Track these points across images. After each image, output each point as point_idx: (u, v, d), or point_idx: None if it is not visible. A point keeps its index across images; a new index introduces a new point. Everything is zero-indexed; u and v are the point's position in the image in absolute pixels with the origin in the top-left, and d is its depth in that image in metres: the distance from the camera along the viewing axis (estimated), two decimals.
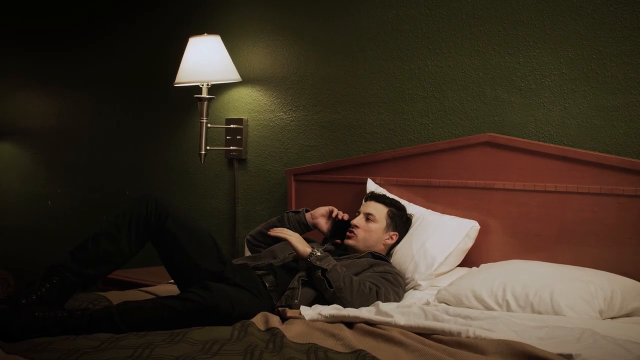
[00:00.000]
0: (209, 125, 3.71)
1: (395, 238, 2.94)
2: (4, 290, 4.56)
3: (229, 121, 3.86)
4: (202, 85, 3.67)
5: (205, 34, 3.69)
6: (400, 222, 2.96)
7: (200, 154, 3.72)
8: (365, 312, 2.30)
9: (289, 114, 3.70)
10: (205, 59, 3.64)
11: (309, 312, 2.36)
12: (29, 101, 5.03)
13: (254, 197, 3.83)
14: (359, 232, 2.90)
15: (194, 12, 4.09)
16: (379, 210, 2.94)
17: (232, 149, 3.84)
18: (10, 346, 2.03)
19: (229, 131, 3.86)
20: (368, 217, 2.92)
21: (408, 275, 2.83)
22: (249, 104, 3.83)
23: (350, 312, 2.31)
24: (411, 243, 2.91)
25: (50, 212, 4.86)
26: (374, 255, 2.84)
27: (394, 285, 2.67)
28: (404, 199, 3.13)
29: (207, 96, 3.68)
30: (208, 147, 3.73)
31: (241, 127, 3.82)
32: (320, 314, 2.34)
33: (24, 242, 4.99)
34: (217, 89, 3.82)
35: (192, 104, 3.81)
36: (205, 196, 4.03)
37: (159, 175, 4.25)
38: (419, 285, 2.81)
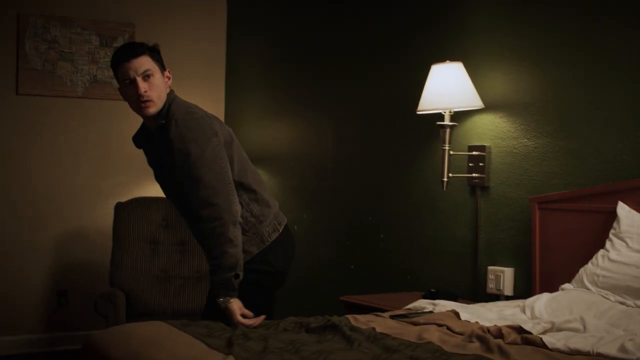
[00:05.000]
0: (451, 152, 3.72)
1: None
2: None
3: (472, 148, 3.84)
4: (445, 112, 3.68)
5: (448, 61, 3.70)
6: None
7: (443, 181, 3.73)
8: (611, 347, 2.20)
9: (533, 141, 3.62)
10: (447, 86, 3.65)
11: (551, 340, 2.30)
12: (277, 129, 5.27)
13: (496, 225, 3.77)
14: None
15: (436, 39, 4.12)
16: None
17: (475, 176, 3.81)
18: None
19: (471, 158, 3.83)
20: None
21: None
22: (492, 130, 3.79)
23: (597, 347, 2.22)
24: None
25: (297, 236, 5.03)
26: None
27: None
28: None
29: (450, 123, 3.68)
30: (450, 174, 3.73)
31: (484, 154, 3.78)
32: (567, 346, 2.26)
33: None
34: (459, 116, 3.81)
35: (435, 131, 3.83)
36: (447, 223, 4.02)
37: (401, 202, 4.30)
38: None
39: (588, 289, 2.96)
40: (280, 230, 3.11)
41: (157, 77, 2.92)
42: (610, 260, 2.99)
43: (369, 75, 4.57)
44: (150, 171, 3.11)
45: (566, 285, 3.07)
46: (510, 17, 3.76)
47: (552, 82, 3.56)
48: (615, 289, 2.87)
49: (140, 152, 3.15)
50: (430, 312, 2.91)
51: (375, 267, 4.44)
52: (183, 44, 5.57)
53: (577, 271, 3.09)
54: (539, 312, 2.85)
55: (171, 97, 2.98)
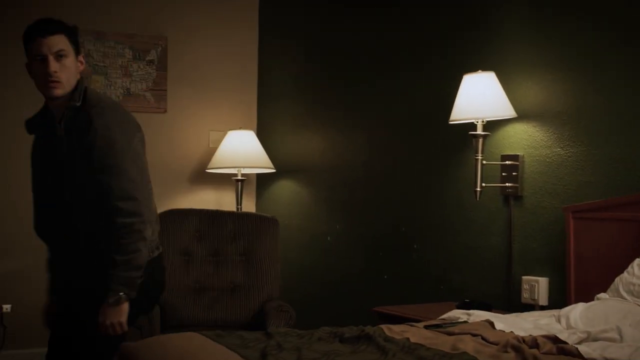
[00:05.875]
0: (484, 162, 3.71)
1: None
2: (286, 322, 4.77)
3: (505, 157, 3.82)
4: (477, 122, 3.67)
5: (480, 70, 3.70)
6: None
7: (476, 191, 3.72)
8: None
9: (566, 150, 3.60)
10: (480, 96, 3.65)
11: (587, 350, 2.29)
12: (308, 140, 5.29)
13: (530, 235, 3.75)
14: None
15: (468, 49, 4.11)
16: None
17: (508, 186, 3.80)
18: None
19: (504, 167, 3.82)
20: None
21: None
22: (525, 139, 3.77)
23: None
24: None
25: (329, 247, 5.05)
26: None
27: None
28: None
29: (482, 133, 3.68)
30: (483, 184, 3.72)
31: (517, 163, 3.77)
32: (603, 356, 2.24)
33: (304, 276, 5.22)
34: (491, 126, 3.80)
35: (467, 140, 3.82)
36: (481, 233, 4.00)
37: (434, 212, 4.29)
38: None
39: (624, 299, 2.94)
40: (160, 251, 3.04)
41: (70, 60, 2.80)
42: None
43: (401, 85, 4.57)
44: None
45: (602, 295, 3.05)
46: (541, 26, 3.75)
47: (585, 91, 3.54)
48: None
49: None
50: (465, 322, 2.90)
51: (408, 278, 4.44)
52: (215, 55, 5.61)
53: (613, 280, 3.06)
54: (575, 321, 2.83)
55: (83, 83, 2.87)
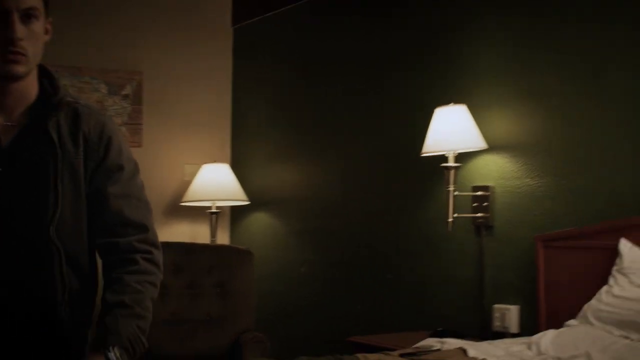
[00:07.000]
0: (456, 193, 3.78)
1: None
2: (262, 353, 4.79)
3: (476, 188, 3.90)
4: (449, 154, 3.75)
5: (451, 103, 3.78)
6: None
7: (448, 221, 3.79)
8: None
9: (536, 180, 3.69)
10: (451, 129, 3.73)
11: None
12: (283, 173, 5.34)
13: (501, 264, 3.82)
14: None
15: (439, 82, 4.20)
16: None
17: (479, 216, 3.87)
18: None
19: (475, 198, 3.89)
20: None
21: None
22: (495, 171, 3.86)
23: None
24: None
25: (303, 278, 5.09)
26: None
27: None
28: None
29: (454, 164, 3.76)
30: (455, 215, 3.79)
31: (488, 194, 3.85)
32: None
33: (278, 305, 5.24)
34: (463, 157, 3.88)
35: (439, 172, 3.89)
36: (453, 262, 4.07)
37: (407, 242, 4.35)
38: None
39: (593, 325, 3.01)
40: None
41: (39, 26, 1.94)
42: (613, 295, 3.04)
43: (374, 118, 4.64)
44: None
45: (571, 322, 3.12)
46: (511, 59, 3.85)
47: (553, 123, 3.64)
48: (619, 324, 2.92)
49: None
50: (439, 350, 2.95)
51: (382, 307, 4.48)
52: (190, 89, 5.66)
53: (582, 307, 3.13)
54: (545, 348, 2.89)
55: (45, 68, 2.05)
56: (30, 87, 1.99)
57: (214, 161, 5.35)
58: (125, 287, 2.00)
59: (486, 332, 3.81)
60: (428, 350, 2.95)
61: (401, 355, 2.86)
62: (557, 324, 3.18)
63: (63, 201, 1.96)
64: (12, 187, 1.94)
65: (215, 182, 5.23)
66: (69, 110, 2.00)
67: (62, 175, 1.95)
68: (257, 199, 5.41)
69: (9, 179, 1.93)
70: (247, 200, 5.30)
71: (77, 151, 1.99)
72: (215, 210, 5.28)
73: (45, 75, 2.03)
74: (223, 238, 5.66)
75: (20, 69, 1.90)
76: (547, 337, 2.96)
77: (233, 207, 5.65)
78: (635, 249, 3.13)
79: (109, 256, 2.05)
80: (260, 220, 5.48)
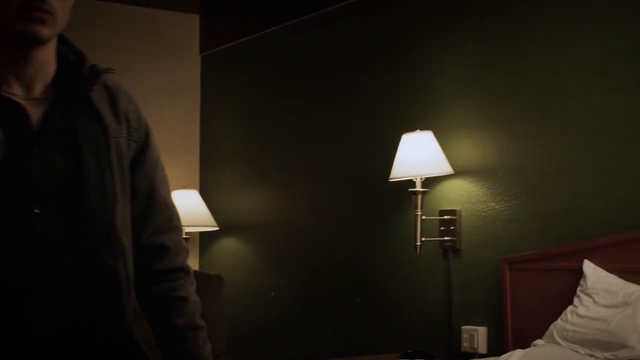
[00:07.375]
0: (423, 217, 3.86)
1: None
2: None
3: (443, 212, 3.98)
4: (416, 179, 3.83)
5: (418, 130, 3.87)
6: None
7: (416, 245, 3.87)
8: None
9: (501, 204, 3.78)
10: (418, 154, 3.82)
11: None
12: (252, 198, 5.38)
13: (468, 286, 3.90)
14: None
15: (406, 109, 4.29)
16: None
17: (446, 240, 3.95)
18: None
19: (442, 222, 3.98)
20: None
21: (630, 343, 2.80)
22: (461, 195, 3.95)
23: None
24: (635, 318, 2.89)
25: (273, 302, 5.12)
26: None
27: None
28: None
29: (421, 189, 3.84)
30: (423, 238, 3.87)
31: (454, 218, 3.93)
32: None
33: (250, 331, 5.26)
34: (430, 182, 3.97)
35: (407, 197, 3.97)
36: (421, 285, 4.14)
37: (375, 266, 4.41)
38: None
39: (559, 344, 3.09)
40: None
41: None
42: (578, 315, 3.12)
43: (342, 144, 4.71)
44: None
45: (538, 341, 3.19)
46: (476, 87, 3.95)
47: (517, 148, 3.74)
48: (584, 342, 3.00)
49: None
50: None
51: (352, 330, 4.53)
52: (159, 118, 5.66)
53: (548, 327, 3.22)
54: None
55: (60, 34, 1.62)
56: (51, 57, 1.61)
57: (183, 187, 5.38)
58: (189, 305, 1.75)
59: (455, 353, 3.88)
60: None
61: None
62: (524, 344, 3.26)
63: (117, 188, 1.60)
64: (51, 173, 1.53)
65: (185, 208, 5.24)
66: (100, 82, 1.69)
67: (112, 157, 1.61)
68: (226, 225, 5.44)
69: (47, 163, 1.52)
70: (216, 226, 5.33)
71: (120, 129, 1.66)
72: (184, 237, 5.29)
73: (61, 41, 1.65)
74: (192, 264, 5.62)
75: (45, 31, 1.51)
76: (514, 357, 3.02)
77: (202, 233, 5.67)
78: (598, 269, 3.23)
79: (158, 260, 1.73)
80: (230, 246, 5.51)
